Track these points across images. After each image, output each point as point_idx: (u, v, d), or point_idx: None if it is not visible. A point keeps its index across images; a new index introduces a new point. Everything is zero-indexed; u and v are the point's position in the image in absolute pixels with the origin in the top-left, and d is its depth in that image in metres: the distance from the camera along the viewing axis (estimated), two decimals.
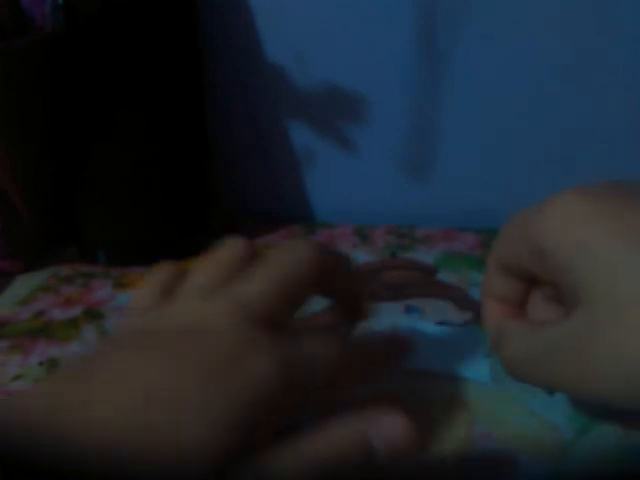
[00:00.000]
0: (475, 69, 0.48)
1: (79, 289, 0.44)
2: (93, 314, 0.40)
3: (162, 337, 0.25)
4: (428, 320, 0.37)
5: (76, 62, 0.44)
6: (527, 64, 0.47)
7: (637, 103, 0.46)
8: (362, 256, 0.46)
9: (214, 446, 0.20)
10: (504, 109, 0.48)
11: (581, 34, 0.45)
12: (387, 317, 0.37)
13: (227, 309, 0.25)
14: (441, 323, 0.36)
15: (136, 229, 0.46)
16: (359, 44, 0.49)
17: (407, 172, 0.52)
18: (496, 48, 0.47)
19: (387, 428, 0.22)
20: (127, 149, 0.45)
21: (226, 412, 0.21)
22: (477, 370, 0.32)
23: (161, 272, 0.29)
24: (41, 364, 0.35)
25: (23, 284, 0.45)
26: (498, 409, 0.29)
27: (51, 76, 0.45)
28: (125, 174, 0.45)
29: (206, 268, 0.28)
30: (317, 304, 0.29)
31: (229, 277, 0.27)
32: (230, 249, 0.29)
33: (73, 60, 0.44)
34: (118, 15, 0.42)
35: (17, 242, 0.46)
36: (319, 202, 0.55)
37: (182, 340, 0.24)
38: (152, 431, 0.20)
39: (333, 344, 0.25)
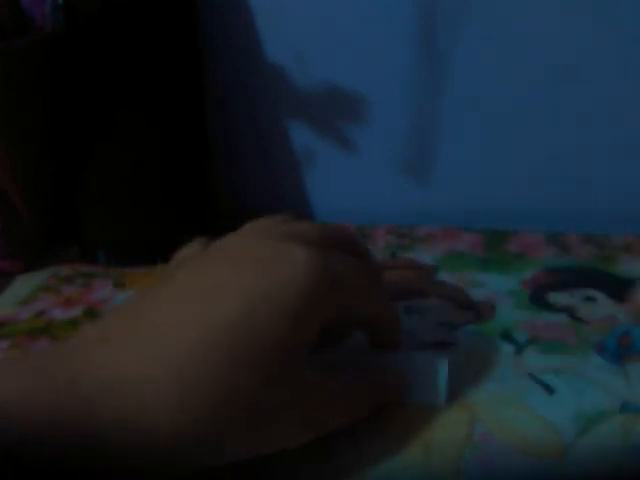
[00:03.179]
0: (475, 69, 0.48)
1: (79, 289, 0.44)
2: (93, 314, 0.40)
3: (219, 261, 0.26)
4: (428, 320, 0.37)
5: (76, 62, 0.44)
6: (527, 64, 0.47)
7: (637, 103, 0.46)
8: None
9: (281, 331, 0.23)
10: (504, 109, 0.48)
11: (581, 34, 0.45)
12: None
13: (277, 238, 0.27)
14: (441, 323, 0.36)
15: (136, 229, 0.46)
16: (359, 44, 0.49)
17: (407, 172, 0.52)
18: (496, 48, 0.47)
19: None
20: (127, 149, 0.45)
21: (282, 303, 0.24)
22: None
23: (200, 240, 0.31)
24: None
25: (23, 284, 0.45)
26: (498, 409, 0.29)
27: (51, 76, 0.45)
28: (125, 174, 0.45)
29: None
30: None
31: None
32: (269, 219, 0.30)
33: (73, 60, 0.44)
34: (118, 15, 0.42)
35: (17, 242, 0.46)
36: (319, 202, 0.55)
37: (241, 259, 0.26)
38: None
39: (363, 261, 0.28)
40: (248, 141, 0.54)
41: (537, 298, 0.39)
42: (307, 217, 0.55)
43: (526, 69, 0.47)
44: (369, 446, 0.27)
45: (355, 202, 0.53)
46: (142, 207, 0.46)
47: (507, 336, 0.35)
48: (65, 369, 0.22)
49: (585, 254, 0.44)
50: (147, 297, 0.25)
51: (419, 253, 0.46)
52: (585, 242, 0.45)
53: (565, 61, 0.46)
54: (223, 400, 0.22)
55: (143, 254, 0.46)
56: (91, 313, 0.41)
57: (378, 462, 0.26)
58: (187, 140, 0.46)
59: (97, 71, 0.43)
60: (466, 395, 0.30)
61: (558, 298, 0.38)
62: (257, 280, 0.24)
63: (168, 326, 0.23)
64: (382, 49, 0.48)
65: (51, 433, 0.20)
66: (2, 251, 0.46)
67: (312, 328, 0.25)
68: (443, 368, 0.30)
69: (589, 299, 0.38)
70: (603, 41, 0.45)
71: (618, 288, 0.39)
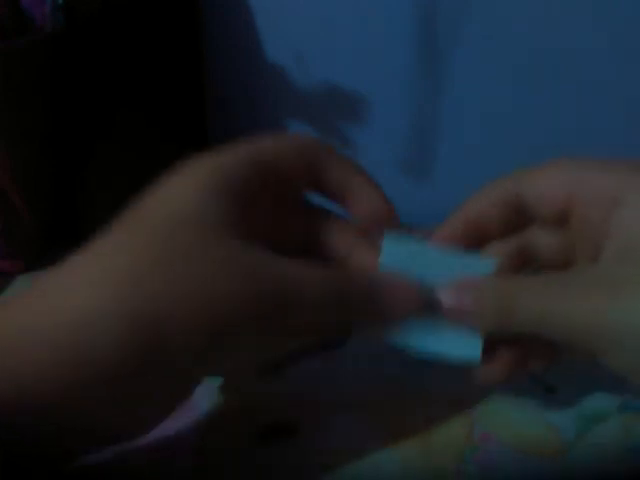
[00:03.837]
0: (475, 69, 0.48)
1: None
2: None
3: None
4: None
5: (76, 62, 0.44)
6: (527, 64, 0.47)
7: (636, 103, 0.46)
8: None
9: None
10: (504, 109, 0.48)
11: (580, 34, 0.45)
12: None
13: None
14: None
15: None
16: (359, 44, 0.49)
17: (407, 172, 0.52)
18: (496, 48, 0.47)
19: None
20: (127, 149, 0.45)
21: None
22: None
23: None
24: None
25: (23, 284, 0.45)
26: (498, 409, 0.29)
27: (51, 76, 0.45)
28: (125, 174, 0.45)
29: None
30: None
31: None
32: None
33: (73, 60, 0.44)
34: (118, 15, 0.42)
35: (17, 242, 0.46)
36: (319, 202, 0.55)
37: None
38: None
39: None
40: None
41: None
42: None
43: (526, 69, 0.47)
44: (369, 446, 0.27)
45: None
46: None
47: None
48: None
49: None
50: None
51: None
52: None
53: (565, 61, 0.46)
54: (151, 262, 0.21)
55: None
56: None
57: (378, 462, 0.26)
58: (187, 140, 0.46)
59: (97, 71, 0.43)
60: (466, 395, 0.30)
61: None
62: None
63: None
64: (382, 49, 0.48)
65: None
66: (2, 251, 0.45)
67: (231, 193, 0.24)
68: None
69: None
70: (603, 41, 0.45)
71: None
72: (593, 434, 0.27)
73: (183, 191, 0.24)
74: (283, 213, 0.27)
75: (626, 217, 0.23)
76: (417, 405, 0.29)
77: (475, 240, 0.27)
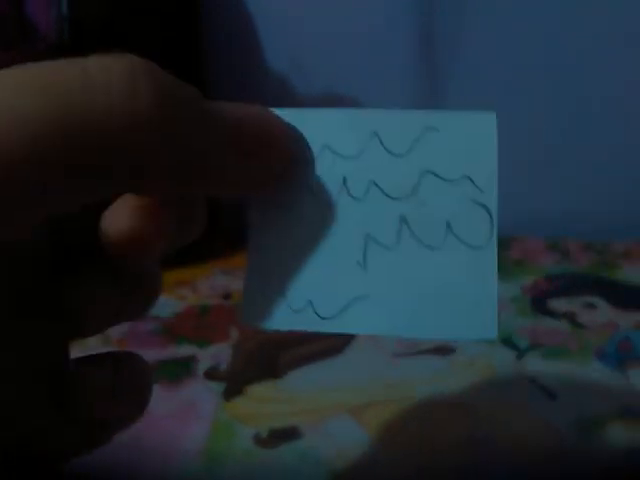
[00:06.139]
0: (475, 70, 0.48)
1: None
2: None
3: None
4: None
5: None
6: (526, 64, 0.47)
7: (637, 107, 0.46)
8: None
9: None
10: (504, 110, 0.48)
11: (580, 35, 0.45)
12: None
13: None
14: None
15: None
16: (359, 51, 0.49)
17: None
18: (496, 48, 0.47)
19: None
20: None
21: None
22: None
23: None
24: None
25: None
26: (499, 414, 0.29)
27: None
28: None
29: None
30: None
31: None
32: None
33: None
34: (123, 26, 0.42)
35: None
36: None
37: None
38: None
39: None
40: None
41: (538, 304, 0.39)
42: None
43: (526, 70, 0.47)
44: (368, 447, 0.27)
45: None
46: None
47: (508, 342, 0.35)
48: None
49: (585, 261, 0.44)
50: None
51: None
52: (585, 249, 0.46)
53: (565, 62, 0.46)
54: None
55: None
56: None
57: (378, 463, 0.26)
58: None
59: None
60: (467, 400, 0.30)
61: (559, 304, 0.39)
62: None
63: None
64: (382, 56, 0.49)
65: None
66: None
67: None
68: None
69: (589, 306, 0.38)
70: (603, 41, 0.45)
71: (618, 295, 0.39)
72: (594, 439, 0.27)
73: None
74: None
75: None
76: (417, 409, 0.30)
77: None
